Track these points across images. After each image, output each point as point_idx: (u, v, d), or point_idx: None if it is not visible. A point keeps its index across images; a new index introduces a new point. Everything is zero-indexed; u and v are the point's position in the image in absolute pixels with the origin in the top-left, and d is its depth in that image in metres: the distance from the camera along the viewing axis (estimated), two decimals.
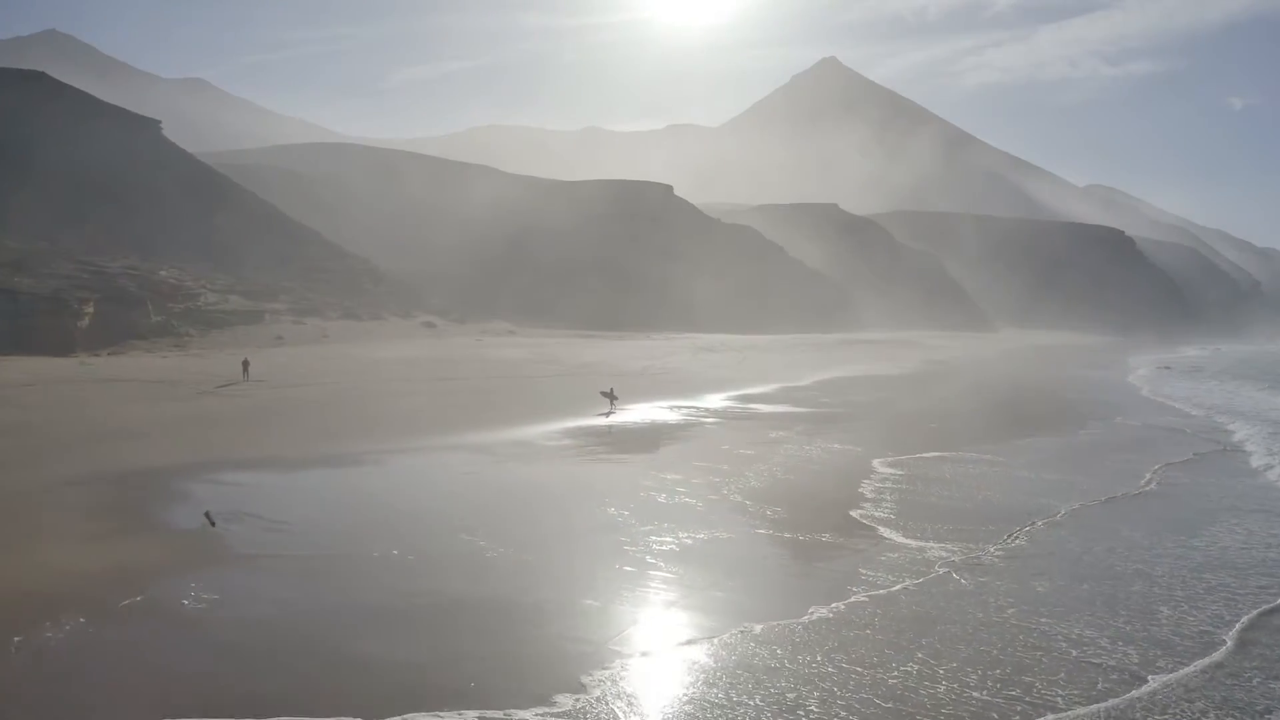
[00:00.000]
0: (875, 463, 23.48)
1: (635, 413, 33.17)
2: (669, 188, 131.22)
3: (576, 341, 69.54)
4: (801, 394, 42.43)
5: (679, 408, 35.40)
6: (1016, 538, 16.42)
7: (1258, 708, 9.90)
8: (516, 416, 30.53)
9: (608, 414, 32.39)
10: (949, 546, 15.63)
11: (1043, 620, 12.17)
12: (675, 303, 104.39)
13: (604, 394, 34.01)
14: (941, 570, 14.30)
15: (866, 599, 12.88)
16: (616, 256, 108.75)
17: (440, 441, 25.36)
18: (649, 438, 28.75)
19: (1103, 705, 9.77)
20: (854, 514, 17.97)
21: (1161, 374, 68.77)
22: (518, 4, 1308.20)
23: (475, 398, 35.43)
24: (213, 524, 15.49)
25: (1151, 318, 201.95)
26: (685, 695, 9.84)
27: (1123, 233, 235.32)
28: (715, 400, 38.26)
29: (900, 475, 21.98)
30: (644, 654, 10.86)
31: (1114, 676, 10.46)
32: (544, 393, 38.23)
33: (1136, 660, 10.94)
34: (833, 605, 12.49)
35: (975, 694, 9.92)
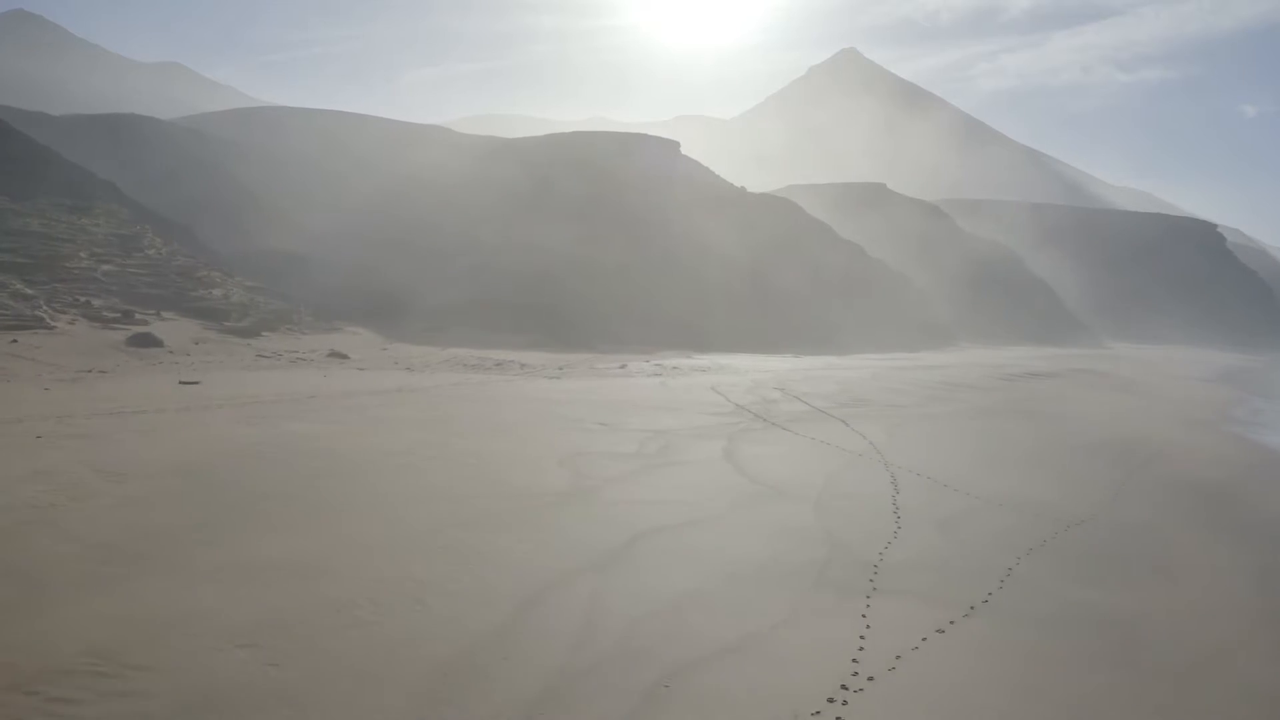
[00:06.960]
0: None
1: None
2: (675, 144, 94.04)
3: (454, 378, 32.23)
4: None
5: None
6: None
7: None
8: None
9: None
10: None
11: None
12: (676, 305, 67.90)
13: None
14: None
15: None
16: (593, 237, 72.11)
17: None
18: None
19: None
20: None
21: None
22: (531, 6, 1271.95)
23: None
24: None
25: (1253, 325, 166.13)
26: None
27: (1214, 226, 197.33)
28: None
29: None
30: None
31: None
32: None
33: None
34: None
35: None
